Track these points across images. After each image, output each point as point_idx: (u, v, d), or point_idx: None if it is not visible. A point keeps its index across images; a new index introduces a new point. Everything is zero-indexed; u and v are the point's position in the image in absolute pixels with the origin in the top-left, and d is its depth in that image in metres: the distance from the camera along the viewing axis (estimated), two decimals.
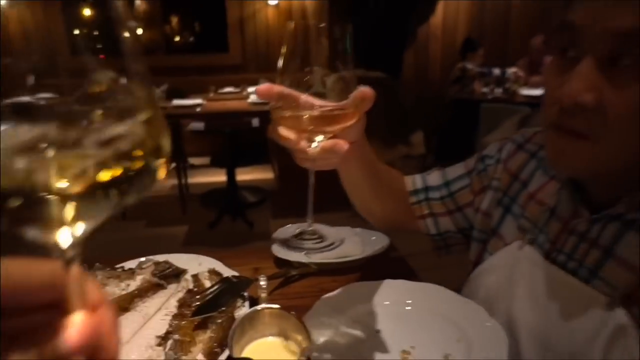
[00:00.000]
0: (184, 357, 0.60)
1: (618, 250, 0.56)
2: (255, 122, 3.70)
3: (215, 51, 5.87)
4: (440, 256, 0.91)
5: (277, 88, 0.54)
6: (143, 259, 0.87)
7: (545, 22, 5.09)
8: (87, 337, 0.23)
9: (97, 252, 0.80)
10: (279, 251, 0.93)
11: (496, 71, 4.57)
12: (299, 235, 0.67)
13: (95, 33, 0.23)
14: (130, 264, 0.86)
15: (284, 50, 0.56)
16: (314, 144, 0.57)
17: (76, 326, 0.23)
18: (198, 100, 3.67)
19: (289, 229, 0.97)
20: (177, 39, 6.15)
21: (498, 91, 4.36)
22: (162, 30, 6.05)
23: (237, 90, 4.64)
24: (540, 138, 0.77)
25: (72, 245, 0.24)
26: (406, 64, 5.64)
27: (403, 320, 0.71)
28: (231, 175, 3.74)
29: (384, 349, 0.65)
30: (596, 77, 0.49)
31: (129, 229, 3.56)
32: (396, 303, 0.74)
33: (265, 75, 5.91)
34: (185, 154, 4.44)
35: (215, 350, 0.59)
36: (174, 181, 4.18)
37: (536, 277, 0.64)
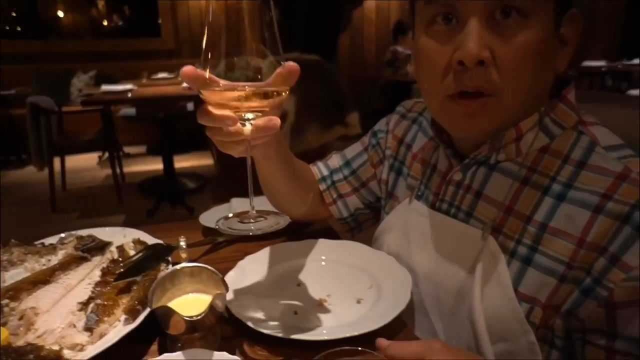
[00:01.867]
0: (105, 318, 0.61)
1: (486, 191, 0.65)
2: (190, 106, 3.62)
3: (146, 36, 5.64)
4: (353, 236, 0.94)
5: (201, 73, 0.52)
6: (64, 234, 0.86)
7: None
8: None
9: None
10: (206, 220, 0.95)
11: None
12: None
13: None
14: (51, 240, 0.85)
15: (205, 34, 0.53)
16: (247, 124, 0.54)
17: None
18: (129, 86, 3.53)
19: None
20: (105, 23, 5.83)
21: None
22: (89, 14, 5.72)
23: (171, 75, 4.50)
24: (419, 107, 0.86)
25: None
26: (342, 47, 5.72)
27: (319, 274, 0.76)
28: (168, 162, 3.65)
29: (302, 298, 0.69)
30: (486, 35, 0.54)
31: (61, 221, 3.40)
32: (312, 259, 0.79)
33: (199, 60, 5.75)
34: (118, 142, 4.26)
35: (137, 308, 0.61)
36: (107, 171, 4.02)
37: (425, 226, 0.72)
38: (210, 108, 0.54)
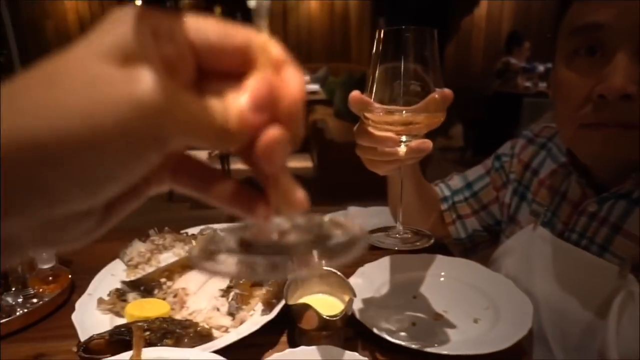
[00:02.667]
0: (244, 307, 0.69)
1: (626, 226, 0.62)
2: None
3: None
4: (468, 257, 0.92)
5: (367, 99, 0.54)
6: (204, 226, 0.97)
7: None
8: (265, 93, 0.22)
9: (144, 229, 0.91)
10: None
11: (540, 68, 4.47)
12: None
13: None
14: (193, 230, 0.97)
15: (374, 58, 0.55)
16: (402, 146, 0.57)
17: (255, 81, 0.22)
18: None
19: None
20: None
21: (542, 85, 4.27)
22: None
23: None
24: (548, 132, 0.83)
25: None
26: (448, 56, 5.59)
27: (437, 289, 0.78)
28: None
29: (419, 310, 0.72)
30: (634, 69, 0.54)
31: (174, 210, 3.76)
32: (431, 274, 0.81)
33: (307, 66, 6.03)
34: None
35: (272, 301, 0.68)
36: (217, 167, 4.35)
37: (550, 254, 0.70)
38: (370, 129, 0.56)
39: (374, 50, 0.55)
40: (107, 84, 0.19)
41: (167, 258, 0.87)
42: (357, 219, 1.01)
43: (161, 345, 0.58)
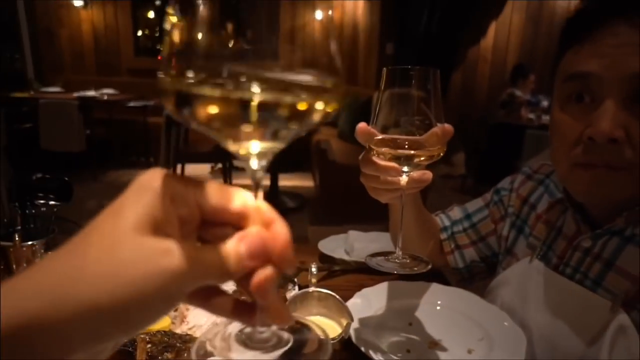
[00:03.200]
0: None
1: (619, 262, 0.65)
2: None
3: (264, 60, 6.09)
4: (465, 287, 0.95)
5: (373, 131, 0.59)
6: None
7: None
8: (258, 245, 0.28)
9: None
10: (324, 247, 1.03)
11: (544, 103, 4.52)
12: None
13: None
14: None
15: (380, 93, 0.60)
16: (404, 175, 0.61)
17: (250, 236, 0.28)
18: None
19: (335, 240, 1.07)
20: (230, 45, 6.41)
21: (546, 118, 4.32)
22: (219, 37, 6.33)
23: None
24: (546, 169, 0.86)
25: (260, 168, 0.31)
26: (453, 85, 5.67)
27: (433, 317, 0.79)
28: (273, 180, 3.89)
29: (415, 337, 0.73)
30: (620, 115, 0.57)
31: None
32: (428, 302, 0.83)
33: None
34: (231, 157, 4.65)
35: None
36: (219, 180, 4.38)
37: (545, 287, 0.72)
38: (374, 159, 0.60)
39: (380, 86, 0.60)
40: (146, 259, 0.25)
41: None
42: (356, 243, 1.03)
43: (162, 359, 0.59)
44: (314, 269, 0.75)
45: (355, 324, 0.71)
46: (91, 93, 4.90)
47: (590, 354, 0.63)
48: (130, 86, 5.49)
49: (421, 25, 4.83)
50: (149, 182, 0.27)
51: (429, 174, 0.64)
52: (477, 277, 0.96)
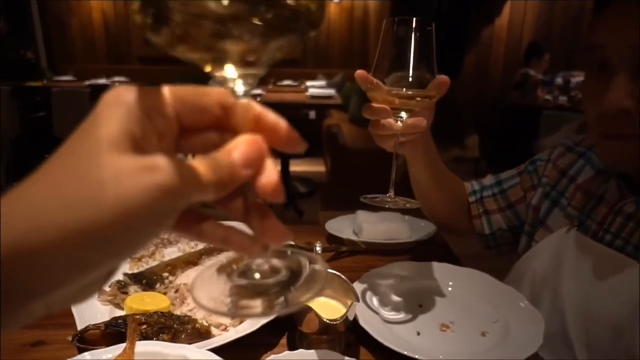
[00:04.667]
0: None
1: None
2: (312, 114, 3.79)
3: None
4: (490, 255, 0.96)
5: (370, 78, 0.63)
6: None
7: None
8: (254, 150, 0.26)
9: None
10: (331, 228, 1.00)
11: (559, 80, 4.40)
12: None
13: None
14: None
15: (380, 44, 0.64)
16: (399, 120, 0.66)
17: (244, 141, 0.26)
18: (258, 91, 3.81)
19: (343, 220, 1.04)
20: None
21: (562, 99, 4.20)
22: None
23: (295, 83, 4.76)
24: (588, 142, 0.84)
25: (245, 82, 0.28)
26: (467, 65, 5.54)
27: (444, 299, 0.76)
28: (285, 166, 3.86)
29: (425, 321, 0.70)
30: (632, 85, 0.57)
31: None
32: (439, 283, 0.79)
33: (322, 71, 6.03)
34: None
35: None
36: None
37: (582, 257, 0.69)
38: (373, 104, 0.64)
39: (381, 36, 0.64)
40: (129, 176, 0.22)
41: (171, 253, 0.87)
42: (365, 223, 0.99)
43: (157, 340, 0.57)
44: (318, 249, 0.72)
45: (361, 306, 0.68)
46: (102, 81, 4.90)
47: (626, 323, 0.61)
48: (141, 73, 5.49)
49: (433, 4, 4.70)
50: (119, 98, 0.24)
51: (422, 121, 0.67)
52: (503, 247, 0.95)
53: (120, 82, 4.98)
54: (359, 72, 0.63)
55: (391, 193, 0.70)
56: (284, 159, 3.86)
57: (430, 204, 0.93)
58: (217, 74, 0.28)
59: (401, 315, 0.70)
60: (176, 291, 0.73)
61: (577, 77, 4.22)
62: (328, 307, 0.67)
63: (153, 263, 0.81)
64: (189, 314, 0.67)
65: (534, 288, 0.75)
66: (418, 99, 0.63)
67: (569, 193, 0.79)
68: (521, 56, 4.83)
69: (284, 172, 3.88)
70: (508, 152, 4.36)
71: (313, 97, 3.63)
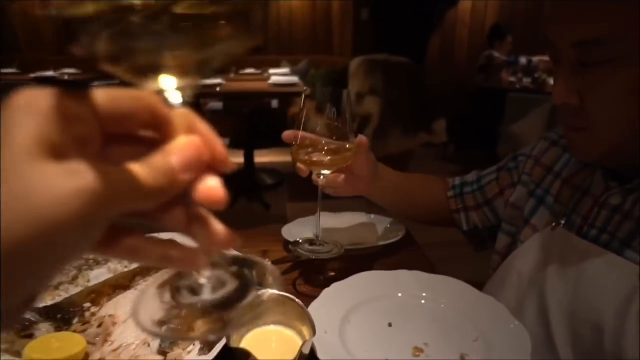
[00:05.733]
0: (179, 341, 0.56)
1: None
2: (275, 103, 3.65)
3: None
4: (477, 251, 0.95)
5: (302, 133, 0.70)
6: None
7: None
8: (192, 154, 0.24)
9: None
10: (288, 234, 0.89)
11: (522, 60, 4.41)
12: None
13: None
14: None
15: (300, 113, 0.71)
16: (321, 177, 0.72)
17: (181, 144, 0.24)
18: (217, 80, 3.63)
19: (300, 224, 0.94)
20: None
21: (526, 80, 4.21)
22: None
23: (258, 71, 4.59)
24: None
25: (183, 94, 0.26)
26: (431, 49, 5.49)
27: (416, 315, 0.66)
28: (249, 157, 3.71)
29: (394, 344, 0.60)
30: (574, 80, 0.57)
31: None
32: (410, 295, 0.69)
33: (287, 58, 5.86)
34: None
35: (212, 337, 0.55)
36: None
37: (567, 255, 0.65)
38: (297, 164, 0.72)
39: (300, 105, 0.71)
40: (50, 184, 0.20)
41: (99, 275, 0.74)
42: (326, 227, 0.89)
43: None
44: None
45: (320, 333, 0.57)
46: (50, 73, 4.59)
47: (614, 324, 0.56)
48: (95, 65, 5.18)
49: None
50: (30, 102, 0.21)
51: (338, 177, 0.74)
52: (488, 245, 0.93)
53: (70, 75, 4.68)
54: (286, 134, 0.70)
55: (318, 236, 0.76)
56: (248, 149, 3.72)
57: (406, 215, 0.96)
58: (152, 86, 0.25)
59: (367, 341, 0.60)
60: (99, 325, 0.61)
61: (539, 57, 4.24)
62: (280, 339, 0.56)
63: (75, 290, 0.68)
64: (111, 356, 0.55)
65: (519, 291, 0.70)
66: (334, 158, 0.70)
67: (555, 189, 0.74)
68: (485, 39, 4.81)
69: (249, 163, 3.73)
70: (475, 136, 4.36)
71: (276, 85, 3.48)
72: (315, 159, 0.69)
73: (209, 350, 0.54)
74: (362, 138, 0.71)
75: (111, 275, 0.73)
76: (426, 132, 3.95)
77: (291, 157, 0.72)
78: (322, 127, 0.70)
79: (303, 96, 0.72)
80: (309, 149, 0.70)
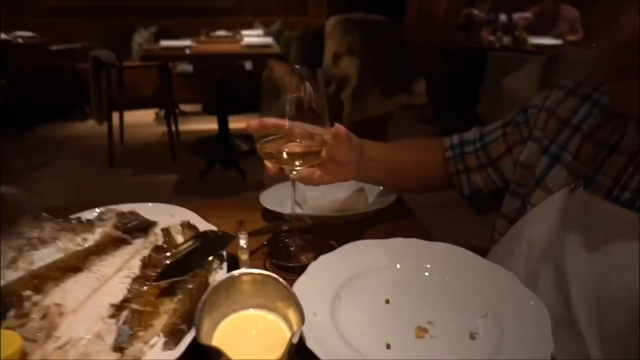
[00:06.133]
0: (141, 333, 0.47)
1: None
2: (248, 65, 3.48)
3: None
4: (478, 215, 0.88)
5: (268, 121, 0.60)
6: (103, 208, 0.72)
7: None
8: None
9: (80, 200, 0.68)
10: (267, 201, 0.79)
11: (502, 17, 4.31)
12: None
13: None
14: (88, 214, 0.72)
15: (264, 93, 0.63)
16: (293, 173, 0.64)
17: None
18: (187, 42, 3.42)
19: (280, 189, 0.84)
20: None
21: (507, 39, 4.11)
22: None
23: (230, 33, 4.36)
24: (594, 81, 0.68)
25: None
26: (410, 8, 5.31)
27: (418, 289, 0.58)
28: (223, 122, 3.55)
29: (394, 323, 0.52)
30: None
31: (117, 176, 3.42)
32: (409, 267, 0.61)
33: (260, 20, 5.58)
34: (175, 100, 4.23)
35: (179, 327, 0.46)
36: (163, 128, 4.00)
37: (592, 222, 0.55)
38: (265, 163, 0.64)
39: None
40: None
41: (45, 257, 0.63)
42: (309, 192, 0.80)
43: None
44: (242, 241, 0.51)
45: (309, 316, 0.48)
46: (2, 36, 4.25)
47: None
48: (52, 28, 4.84)
49: None
50: None
51: (316, 178, 0.67)
52: (491, 209, 0.83)
53: (25, 38, 4.35)
54: (252, 124, 0.61)
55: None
56: (222, 115, 3.55)
57: (401, 189, 0.87)
58: None
59: (363, 322, 0.52)
60: (42, 317, 0.50)
61: (519, 14, 4.14)
62: (261, 324, 0.47)
63: (14, 275, 0.57)
64: (55, 354, 0.46)
65: (530, 262, 0.61)
66: (306, 158, 0.62)
67: (573, 145, 0.64)
68: None
69: (223, 129, 3.58)
70: (456, 97, 4.28)
71: (249, 46, 3.30)
72: (285, 156, 0.61)
73: (175, 344, 0.44)
74: (339, 129, 0.63)
75: (61, 255, 0.63)
76: (406, 93, 3.85)
77: (258, 151, 0.63)
78: (293, 104, 0.60)
79: (270, 66, 0.63)
80: (279, 142, 0.61)
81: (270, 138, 0.62)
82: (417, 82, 3.74)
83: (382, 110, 3.48)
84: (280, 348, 0.42)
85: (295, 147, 0.61)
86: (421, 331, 0.51)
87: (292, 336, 0.40)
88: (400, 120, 4.38)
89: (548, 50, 3.13)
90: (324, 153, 0.61)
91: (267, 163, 0.63)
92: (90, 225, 0.69)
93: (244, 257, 0.50)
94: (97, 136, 4.04)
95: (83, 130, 4.58)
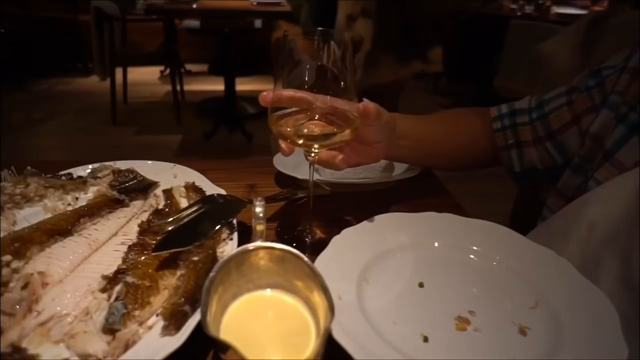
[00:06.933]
0: (137, 312, 0.40)
1: None
2: (258, 23, 3.32)
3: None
4: (525, 198, 0.79)
5: (285, 92, 0.52)
6: (97, 164, 0.65)
7: None
8: None
9: (77, 157, 0.61)
10: (282, 165, 0.71)
11: None
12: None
13: None
14: (81, 171, 0.64)
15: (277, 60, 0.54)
16: (312, 155, 0.55)
17: None
18: None
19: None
20: None
21: (529, 8, 3.91)
22: None
23: None
24: None
25: None
26: None
27: (458, 273, 0.50)
28: (230, 83, 3.43)
29: (432, 312, 0.45)
30: None
31: (119, 134, 3.33)
32: (447, 246, 0.53)
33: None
34: (180, 58, 4.09)
35: (182, 309, 0.39)
36: (168, 87, 3.88)
37: None
38: (280, 143, 0.54)
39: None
40: None
41: (30, 216, 0.55)
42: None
43: None
44: (258, 209, 0.43)
45: (333, 298, 0.41)
46: None
47: None
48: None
49: None
50: None
51: (337, 163, 0.55)
52: (545, 187, 0.73)
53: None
54: (264, 96, 0.52)
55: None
56: (229, 77, 3.43)
57: (432, 167, 0.79)
58: None
59: (393, 308, 0.45)
60: (23, 287, 0.43)
61: None
62: (277, 307, 0.40)
63: None
64: (36, 331, 0.39)
65: (589, 248, 0.52)
66: (328, 141, 0.52)
67: None
68: None
69: (230, 91, 3.46)
70: (471, 67, 4.12)
71: (259, 3, 3.14)
72: (302, 140, 0.51)
73: (177, 329, 0.37)
74: (367, 107, 0.52)
75: (48, 215, 0.55)
76: (421, 60, 3.68)
77: (270, 128, 0.53)
78: (313, 74, 0.52)
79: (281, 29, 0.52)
80: (296, 116, 0.53)
81: (285, 111, 0.53)
82: (433, 49, 3.58)
83: (395, 77, 3.34)
84: (302, 337, 0.35)
85: (316, 126, 0.52)
86: (462, 322, 0.44)
87: (324, 331, 0.32)
88: (409, 90, 4.23)
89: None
90: (348, 133, 0.51)
91: (282, 144, 0.54)
92: (82, 183, 0.61)
93: (260, 227, 0.42)
94: (100, 93, 3.93)
95: (86, 86, 4.46)
